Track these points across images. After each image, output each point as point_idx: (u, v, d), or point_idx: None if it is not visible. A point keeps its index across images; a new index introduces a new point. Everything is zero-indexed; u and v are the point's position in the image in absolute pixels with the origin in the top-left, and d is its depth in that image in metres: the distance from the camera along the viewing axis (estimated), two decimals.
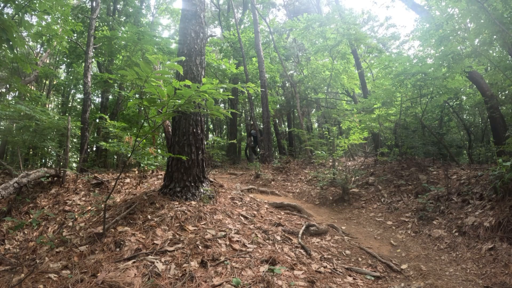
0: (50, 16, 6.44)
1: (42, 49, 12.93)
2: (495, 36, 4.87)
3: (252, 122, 11.25)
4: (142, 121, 9.09)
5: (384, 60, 6.56)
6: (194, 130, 3.57)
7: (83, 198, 4.06)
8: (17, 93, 11.84)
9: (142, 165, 5.12)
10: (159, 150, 6.77)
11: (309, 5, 15.88)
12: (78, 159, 8.98)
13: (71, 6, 8.90)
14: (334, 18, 9.72)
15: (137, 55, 9.40)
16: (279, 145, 14.57)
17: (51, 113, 6.59)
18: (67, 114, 10.96)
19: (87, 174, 5.00)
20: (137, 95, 7.89)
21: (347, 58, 10.71)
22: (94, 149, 11.77)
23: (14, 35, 3.86)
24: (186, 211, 2.96)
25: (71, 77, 14.32)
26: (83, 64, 9.02)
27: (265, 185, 6.61)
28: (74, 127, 6.96)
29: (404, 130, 6.64)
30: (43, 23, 6.72)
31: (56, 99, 16.81)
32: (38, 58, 11.78)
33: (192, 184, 3.46)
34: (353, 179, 5.71)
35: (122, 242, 2.42)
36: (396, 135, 6.77)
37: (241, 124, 19.56)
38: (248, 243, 2.56)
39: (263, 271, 2.06)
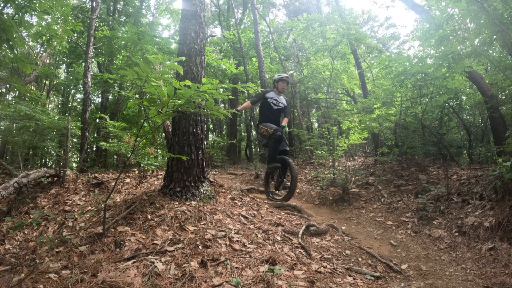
0: (50, 16, 6.44)
1: (42, 49, 12.94)
2: (495, 36, 4.87)
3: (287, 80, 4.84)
4: (142, 121, 9.10)
5: (384, 60, 6.56)
6: (194, 130, 3.57)
7: (83, 198, 4.06)
8: (17, 93, 11.85)
9: (142, 165, 5.12)
10: (159, 150, 6.77)
11: (309, 5, 15.89)
12: (78, 159, 8.99)
13: (71, 6, 8.92)
14: (334, 18, 9.73)
15: (137, 55, 9.41)
16: None
17: (51, 113, 6.60)
18: (67, 114, 10.96)
19: (87, 174, 5.00)
20: (137, 95, 7.90)
21: (347, 58, 10.72)
22: (94, 149, 11.79)
23: (14, 35, 3.86)
24: (186, 211, 2.96)
25: (71, 77, 14.33)
26: (83, 64, 9.03)
27: None
28: (74, 127, 6.96)
29: (404, 130, 6.64)
30: (43, 23, 6.72)
31: (56, 99, 16.83)
32: (38, 58, 11.78)
33: (192, 184, 3.46)
34: (353, 179, 5.71)
35: (122, 242, 2.42)
36: (396, 135, 6.77)
37: (241, 124, 19.56)
38: (248, 243, 2.56)
39: (263, 271, 2.06)
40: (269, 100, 4.74)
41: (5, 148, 11.12)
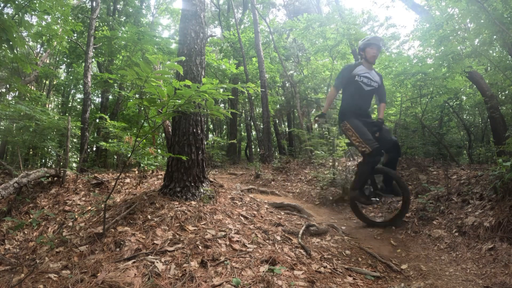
0: (50, 16, 6.45)
1: (42, 49, 12.94)
2: (495, 36, 4.87)
3: None
4: (142, 121, 9.10)
5: (384, 60, 6.56)
6: (194, 130, 3.58)
7: (83, 198, 4.06)
8: (17, 93, 11.85)
9: (142, 165, 5.12)
10: (159, 150, 6.77)
11: (309, 5, 15.89)
12: (78, 159, 8.99)
13: (71, 6, 8.91)
14: (334, 18, 9.73)
15: (137, 55, 9.41)
16: (279, 145, 14.59)
17: (51, 113, 6.60)
18: (67, 114, 10.97)
19: (87, 174, 5.00)
20: (137, 95, 7.90)
21: (347, 58, 10.72)
22: (94, 149, 11.79)
23: (14, 35, 3.86)
24: (186, 211, 2.96)
25: (71, 77, 14.33)
26: (83, 64, 9.04)
27: (265, 185, 6.61)
28: (74, 127, 6.96)
29: (404, 130, 6.63)
30: (43, 23, 6.72)
31: (56, 99, 16.82)
32: (38, 58, 11.78)
33: (192, 184, 3.46)
34: (353, 179, 5.70)
35: (122, 242, 2.42)
36: (396, 135, 6.77)
37: (241, 124, 19.57)
38: (248, 243, 2.56)
39: (263, 271, 2.06)
40: (357, 78, 3.33)
41: (5, 148, 11.12)
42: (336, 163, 6.63)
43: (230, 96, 2.85)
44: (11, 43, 3.91)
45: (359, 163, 3.53)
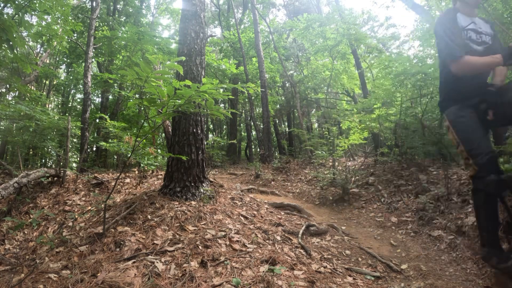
0: (50, 16, 6.45)
1: (42, 49, 12.94)
2: None
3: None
4: (142, 121, 9.09)
5: (384, 60, 6.56)
6: (194, 130, 3.58)
7: (83, 198, 4.06)
8: (17, 93, 11.85)
9: (142, 165, 5.12)
10: (159, 150, 6.77)
11: (309, 5, 15.89)
12: (78, 159, 8.99)
13: (71, 6, 8.91)
14: (334, 18, 9.73)
15: (137, 55, 9.41)
16: (279, 145, 14.60)
17: (51, 113, 6.60)
18: (67, 114, 10.97)
19: (87, 174, 5.00)
20: (137, 95, 7.90)
21: (347, 58, 10.72)
22: (94, 149, 11.79)
23: (14, 35, 3.86)
24: (186, 211, 2.96)
25: (71, 77, 14.33)
26: (83, 64, 9.04)
27: (265, 185, 6.62)
28: (74, 127, 6.96)
29: (404, 130, 6.63)
30: (43, 23, 6.72)
31: (56, 99, 16.82)
32: (38, 58, 11.78)
33: (192, 184, 3.46)
34: (353, 179, 5.71)
35: (122, 242, 2.42)
36: (396, 135, 6.76)
37: (241, 124, 19.57)
38: (248, 243, 2.56)
39: (263, 271, 2.06)
40: (464, 34, 2.01)
41: (5, 148, 11.12)
42: (336, 163, 6.63)
43: (230, 96, 2.85)
44: (11, 43, 3.91)
45: (471, 194, 2.02)
